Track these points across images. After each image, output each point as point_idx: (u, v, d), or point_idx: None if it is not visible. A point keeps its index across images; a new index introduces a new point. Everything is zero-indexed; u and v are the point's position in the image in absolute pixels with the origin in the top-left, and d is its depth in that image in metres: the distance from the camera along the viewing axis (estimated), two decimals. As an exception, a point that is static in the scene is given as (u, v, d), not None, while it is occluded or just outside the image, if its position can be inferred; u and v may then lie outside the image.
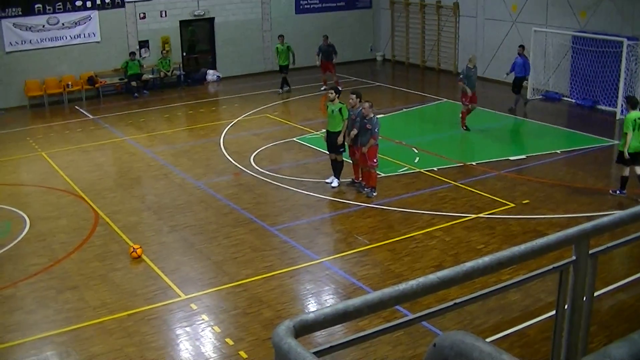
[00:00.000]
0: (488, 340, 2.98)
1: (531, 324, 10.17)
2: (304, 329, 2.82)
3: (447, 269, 3.27)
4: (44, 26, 26.02)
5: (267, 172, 17.36)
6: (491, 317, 10.42)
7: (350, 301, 2.98)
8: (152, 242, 13.73)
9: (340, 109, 15.77)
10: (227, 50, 30.13)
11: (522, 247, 3.57)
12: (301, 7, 31.45)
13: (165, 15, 28.40)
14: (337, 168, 16.29)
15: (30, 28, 25.79)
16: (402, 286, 3.12)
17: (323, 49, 26.79)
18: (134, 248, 13.00)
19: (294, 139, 20.43)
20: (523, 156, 18.35)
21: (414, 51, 31.93)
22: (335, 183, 16.23)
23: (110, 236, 14.05)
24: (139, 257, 12.86)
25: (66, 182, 17.28)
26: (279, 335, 2.71)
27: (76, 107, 26.01)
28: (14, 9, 25.37)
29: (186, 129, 23.14)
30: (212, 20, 29.62)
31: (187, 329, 10.54)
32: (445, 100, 25.37)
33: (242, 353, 9.78)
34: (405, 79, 30.46)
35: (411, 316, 3.53)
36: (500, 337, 9.81)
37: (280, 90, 26.82)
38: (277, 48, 26.82)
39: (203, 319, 10.78)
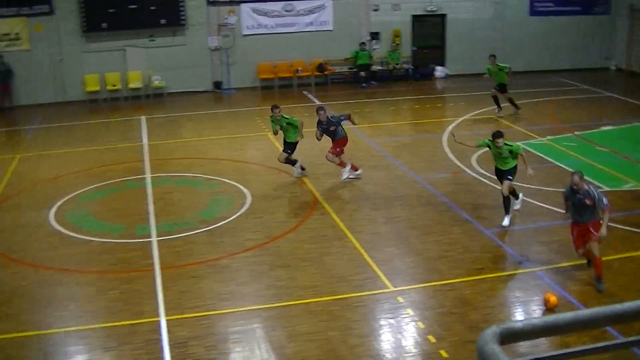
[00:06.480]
0: None
1: None
2: (510, 337, 2.86)
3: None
4: (280, 12, 27.08)
5: (488, 174, 16.87)
6: None
7: (561, 315, 2.96)
8: (366, 231, 13.78)
9: (510, 151, 13.91)
10: (457, 48, 29.80)
11: None
12: (535, 8, 30.41)
13: (399, 9, 28.53)
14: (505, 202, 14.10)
15: (266, 13, 27.05)
16: (617, 307, 3.06)
17: None
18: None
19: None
20: None
21: (654, 62, 29.88)
22: (506, 221, 14.00)
23: (325, 220, 14.26)
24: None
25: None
26: (484, 339, 2.78)
27: (304, 92, 26.78)
28: (254, -5, 26.73)
29: (410, 122, 23.12)
30: (443, 16, 29.42)
31: (391, 320, 10.46)
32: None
33: (442, 352, 9.54)
34: (641, 91, 28.46)
35: (622, 340, 3.34)
36: None
37: (497, 109, 22.92)
38: (488, 69, 22.80)
39: (408, 313, 10.63)
